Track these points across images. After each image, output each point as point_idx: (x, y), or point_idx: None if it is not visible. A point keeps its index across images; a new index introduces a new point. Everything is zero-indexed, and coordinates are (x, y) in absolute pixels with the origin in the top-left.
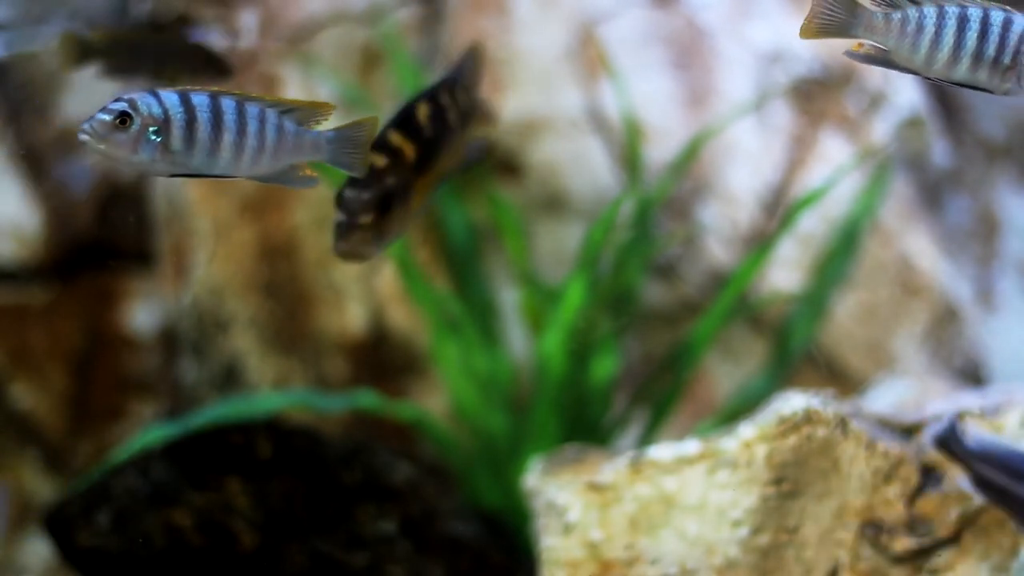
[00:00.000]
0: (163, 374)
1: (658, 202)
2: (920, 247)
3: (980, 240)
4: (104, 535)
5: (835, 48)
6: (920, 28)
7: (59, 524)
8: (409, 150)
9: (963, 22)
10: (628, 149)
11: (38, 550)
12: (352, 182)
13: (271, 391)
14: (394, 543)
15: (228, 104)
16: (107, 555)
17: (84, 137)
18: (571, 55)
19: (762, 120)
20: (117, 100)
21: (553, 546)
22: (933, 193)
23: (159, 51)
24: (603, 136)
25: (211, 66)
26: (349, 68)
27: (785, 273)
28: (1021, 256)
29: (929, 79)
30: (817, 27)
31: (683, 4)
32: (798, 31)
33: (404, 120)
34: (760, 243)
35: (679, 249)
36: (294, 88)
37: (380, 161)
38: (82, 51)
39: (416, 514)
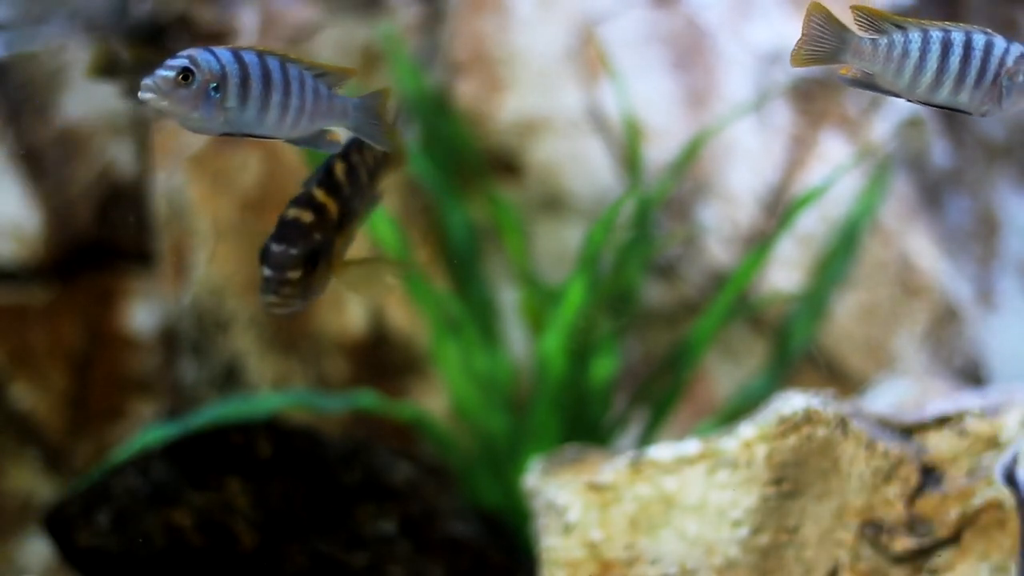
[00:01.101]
0: (163, 374)
1: (658, 202)
2: (920, 247)
3: (980, 240)
4: (104, 535)
5: None
6: (905, 53)
7: (59, 524)
8: (332, 207)
9: (947, 47)
10: (628, 149)
11: (38, 550)
12: (278, 237)
13: (271, 391)
14: (394, 543)
15: (274, 64)
16: (107, 555)
17: (147, 95)
18: (571, 55)
19: (762, 120)
20: (176, 57)
21: (553, 546)
22: (933, 193)
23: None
24: (603, 136)
25: None
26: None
27: (785, 273)
28: (1021, 256)
29: (911, 101)
30: (807, 54)
31: (683, 4)
32: (789, 58)
33: (326, 177)
34: (760, 243)
35: (679, 249)
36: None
37: (307, 217)
38: (111, 66)
39: (416, 514)
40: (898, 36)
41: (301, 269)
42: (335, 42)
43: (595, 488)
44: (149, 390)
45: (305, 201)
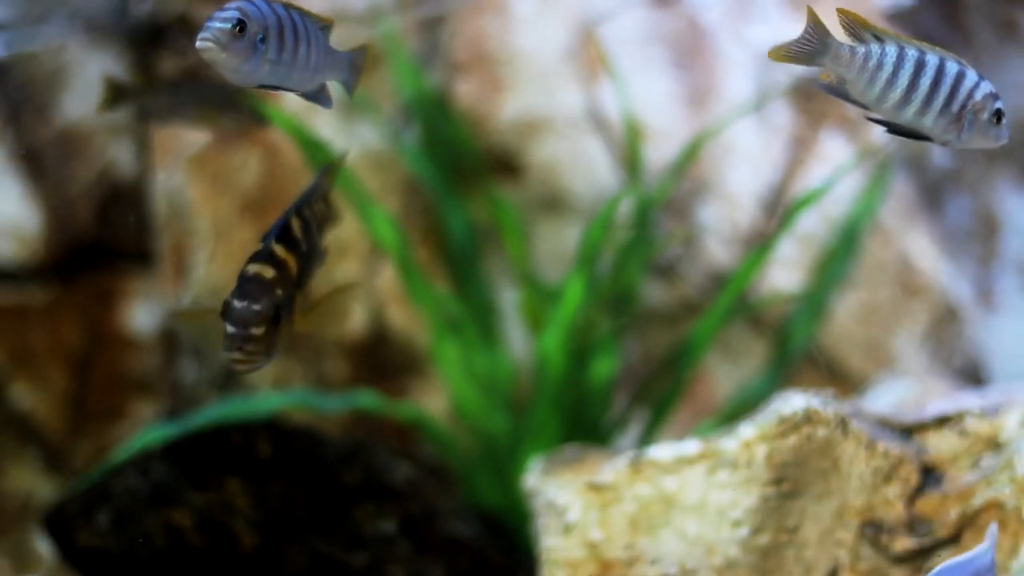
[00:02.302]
0: (163, 374)
1: (658, 202)
2: (920, 247)
3: (980, 240)
4: (104, 535)
5: None
6: (880, 65)
7: (59, 524)
8: (292, 262)
9: (920, 67)
10: (628, 149)
11: (38, 550)
12: (240, 294)
13: (271, 391)
14: (394, 543)
15: (297, 16)
16: (107, 555)
17: (206, 45)
18: (571, 55)
19: (762, 120)
20: (225, 9)
21: (553, 546)
22: (933, 193)
23: (194, 92)
24: (603, 136)
25: (226, 99)
26: None
27: (785, 273)
28: (1021, 256)
29: (876, 120)
30: (788, 53)
31: (683, 4)
32: (769, 53)
33: (284, 233)
34: (760, 243)
35: (679, 249)
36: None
37: (268, 272)
38: (117, 94)
39: (416, 514)
40: (875, 47)
41: (265, 325)
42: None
43: (595, 488)
44: (149, 390)
45: (265, 257)
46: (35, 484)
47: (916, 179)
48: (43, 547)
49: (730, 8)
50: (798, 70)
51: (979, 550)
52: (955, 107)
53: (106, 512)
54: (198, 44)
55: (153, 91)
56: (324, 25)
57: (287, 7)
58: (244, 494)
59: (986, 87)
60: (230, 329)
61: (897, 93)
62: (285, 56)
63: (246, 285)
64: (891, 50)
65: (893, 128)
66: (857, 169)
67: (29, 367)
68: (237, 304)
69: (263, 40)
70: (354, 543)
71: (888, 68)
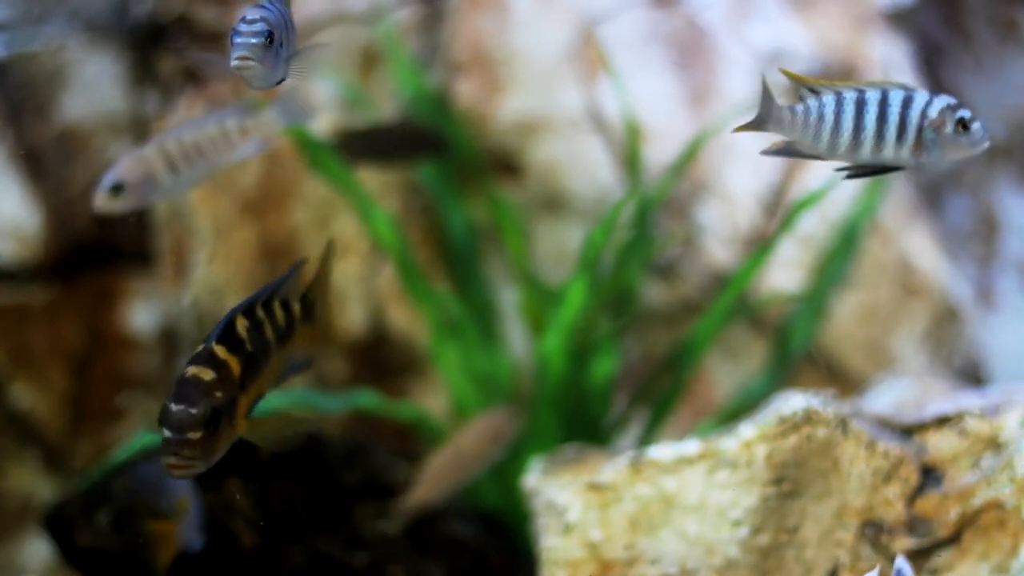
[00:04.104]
0: (163, 374)
1: (658, 202)
2: (920, 247)
3: (980, 240)
4: (104, 535)
5: (836, 48)
6: (821, 117)
7: (59, 524)
8: (234, 364)
9: (860, 106)
10: (628, 149)
11: (38, 550)
12: (177, 397)
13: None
14: (394, 543)
15: (286, 11)
16: (107, 555)
17: (247, 64)
18: (571, 55)
19: None
20: (251, 22)
21: (553, 546)
22: (933, 193)
23: (387, 138)
24: (603, 136)
25: (431, 143)
26: (349, 68)
27: (785, 273)
28: (1021, 256)
29: (842, 169)
30: (748, 123)
31: (683, 4)
32: (736, 127)
33: (226, 333)
34: (760, 243)
35: (679, 249)
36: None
37: (206, 375)
38: (351, 144)
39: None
40: (812, 101)
41: (202, 430)
42: (335, 42)
43: (595, 488)
44: (149, 390)
45: (205, 358)
46: (35, 484)
47: (916, 179)
48: (33, 553)
49: (730, 8)
50: (798, 70)
51: None
52: (910, 131)
53: (106, 512)
54: (236, 64)
55: (349, 140)
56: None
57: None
58: (244, 494)
59: (940, 102)
60: (166, 433)
61: (845, 138)
62: (289, 51)
63: (183, 388)
64: (828, 99)
65: (861, 172)
66: None
67: (29, 367)
68: (173, 407)
69: (280, 44)
70: (354, 543)
71: (829, 118)
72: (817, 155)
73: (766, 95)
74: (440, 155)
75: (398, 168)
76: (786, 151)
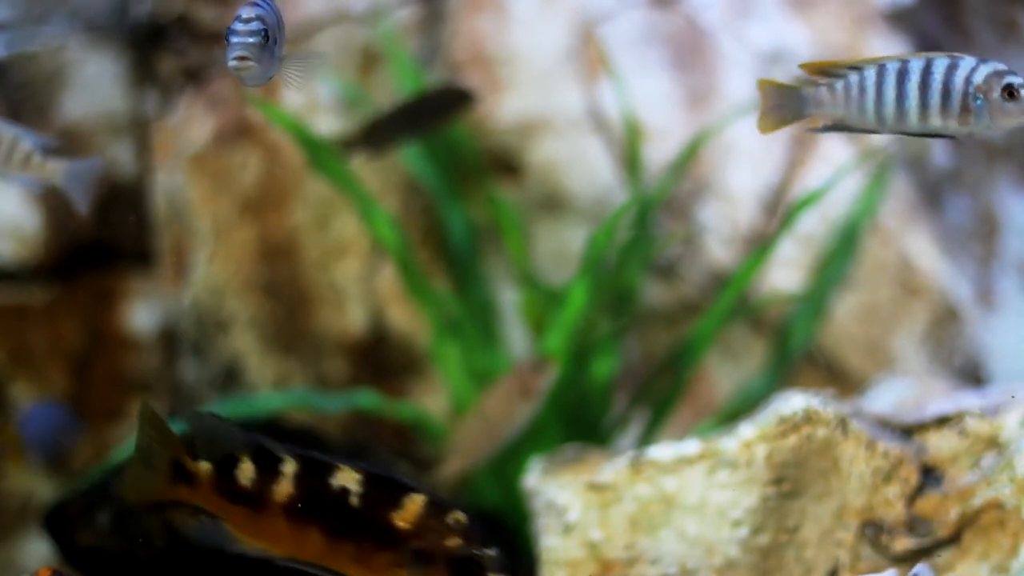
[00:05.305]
0: (163, 374)
1: (658, 202)
2: (920, 247)
3: (980, 240)
4: (104, 535)
5: (836, 48)
6: (862, 90)
7: (59, 524)
8: None
9: (903, 75)
10: (628, 149)
11: (38, 550)
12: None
13: (271, 391)
14: None
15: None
16: (107, 555)
17: (245, 64)
18: (571, 55)
19: None
20: (246, 21)
21: (553, 546)
22: (933, 193)
23: (411, 111)
24: (603, 136)
25: (459, 97)
26: (349, 68)
27: (785, 273)
28: (1021, 256)
29: (889, 133)
30: (774, 120)
31: (683, 4)
32: (757, 126)
33: None
34: (760, 243)
35: (679, 249)
36: (294, 87)
37: None
38: (345, 147)
39: None
40: (853, 76)
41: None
42: (335, 42)
43: (595, 488)
44: (149, 390)
45: None
46: (35, 484)
47: (916, 179)
48: (33, 553)
49: (730, 8)
50: (798, 70)
51: None
52: (955, 100)
53: (106, 512)
54: (234, 64)
55: (374, 129)
56: None
57: None
58: None
59: (986, 68)
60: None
61: (889, 107)
62: (281, 47)
63: None
64: (869, 72)
65: (914, 134)
66: (857, 169)
67: (29, 367)
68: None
69: (275, 42)
70: None
71: (871, 89)
72: (868, 129)
73: (787, 89)
74: (468, 105)
75: (432, 133)
76: (836, 127)
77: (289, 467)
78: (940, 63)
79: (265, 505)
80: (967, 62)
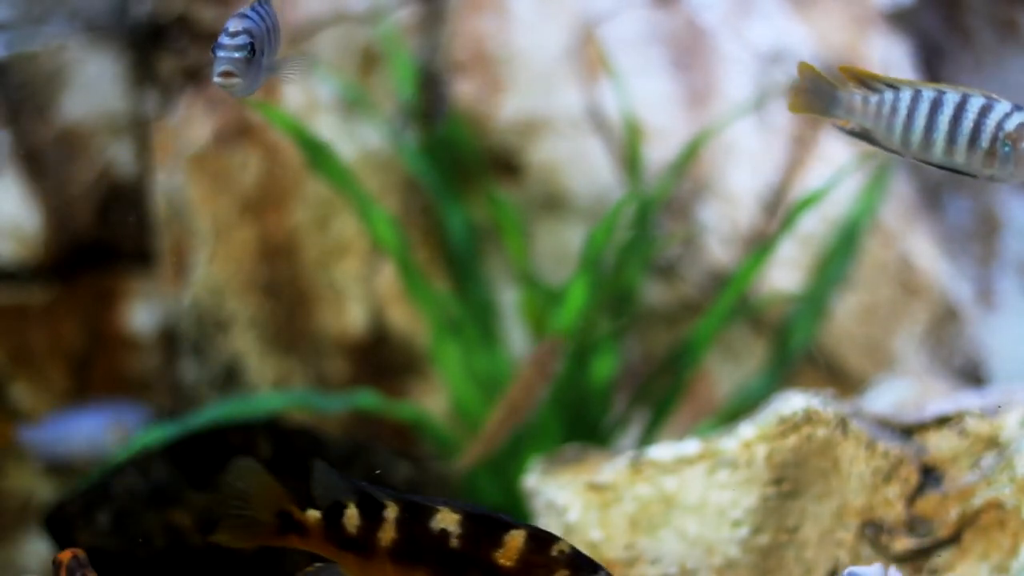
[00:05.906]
0: (163, 374)
1: (658, 202)
2: (920, 247)
3: (980, 240)
4: (104, 535)
5: (836, 48)
6: (894, 111)
7: (59, 524)
8: None
9: (936, 106)
10: (628, 149)
11: (38, 550)
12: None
13: (271, 391)
14: None
15: (264, 9)
16: (107, 555)
17: (230, 81)
18: (571, 55)
19: (762, 120)
20: (234, 35)
21: None
22: (933, 193)
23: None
24: (603, 136)
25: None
26: (349, 68)
27: (785, 273)
28: (1021, 256)
29: (914, 159)
30: (804, 103)
31: (683, 4)
32: (787, 106)
33: None
34: (760, 243)
35: (679, 249)
36: (293, 87)
37: None
38: (426, 119)
39: None
40: (889, 94)
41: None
42: (335, 42)
43: (595, 488)
44: (149, 390)
45: None
46: (35, 484)
47: (916, 179)
48: (33, 553)
49: (730, 8)
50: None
51: None
52: (984, 140)
53: (106, 512)
54: (219, 80)
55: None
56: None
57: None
58: None
59: (1020, 117)
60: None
61: (917, 135)
62: (273, 52)
63: None
64: (905, 94)
65: (936, 166)
66: (858, 169)
67: (29, 367)
68: None
69: (262, 52)
70: None
71: (903, 112)
72: (892, 148)
73: (826, 83)
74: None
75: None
76: (862, 136)
77: (391, 512)
78: (975, 102)
79: (372, 550)
80: (1002, 106)
